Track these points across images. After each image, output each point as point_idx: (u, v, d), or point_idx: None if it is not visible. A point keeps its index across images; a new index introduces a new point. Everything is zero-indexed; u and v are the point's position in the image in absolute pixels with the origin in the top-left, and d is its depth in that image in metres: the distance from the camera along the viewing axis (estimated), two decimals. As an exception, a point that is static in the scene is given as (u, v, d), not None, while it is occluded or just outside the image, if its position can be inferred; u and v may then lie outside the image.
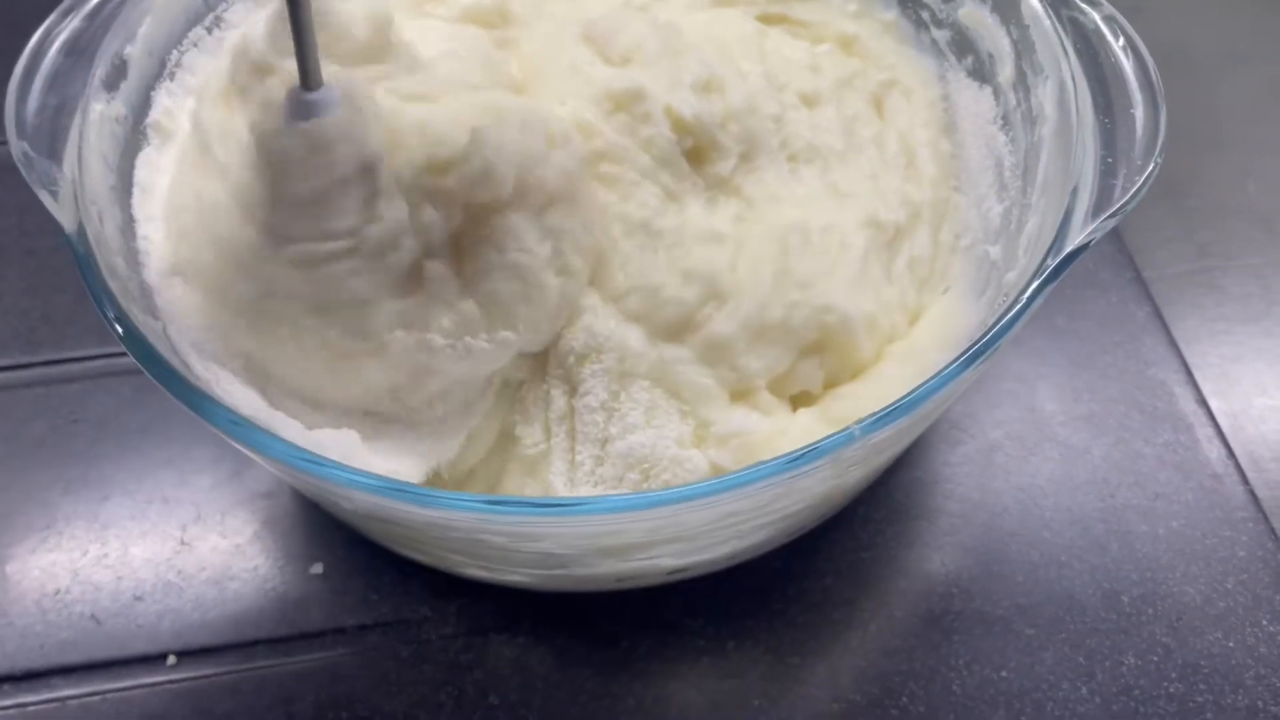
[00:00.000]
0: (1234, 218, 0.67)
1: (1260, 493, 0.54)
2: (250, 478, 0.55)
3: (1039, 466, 0.55)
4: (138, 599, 0.51)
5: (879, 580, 0.51)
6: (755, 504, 0.38)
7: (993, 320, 0.39)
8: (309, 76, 0.37)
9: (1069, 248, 0.40)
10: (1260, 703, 0.48)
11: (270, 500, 0.54)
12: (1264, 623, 0.50)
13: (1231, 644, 0.49)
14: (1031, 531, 0.53)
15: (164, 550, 0.53)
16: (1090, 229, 0.41)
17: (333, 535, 0.53)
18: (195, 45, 0.52)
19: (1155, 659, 0.49)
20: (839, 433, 0.36)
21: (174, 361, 0.40)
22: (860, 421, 0.36)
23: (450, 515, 0.37)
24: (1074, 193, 0.42)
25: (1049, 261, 0.40)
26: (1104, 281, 0.62)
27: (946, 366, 0.38)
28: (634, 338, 0.45)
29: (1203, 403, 0.57)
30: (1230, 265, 0.65)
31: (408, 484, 0.36)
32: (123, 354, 0.58)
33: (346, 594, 0.51)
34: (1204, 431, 0.56)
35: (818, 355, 0.47)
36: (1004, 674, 0.49)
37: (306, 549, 0.53)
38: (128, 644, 0.50)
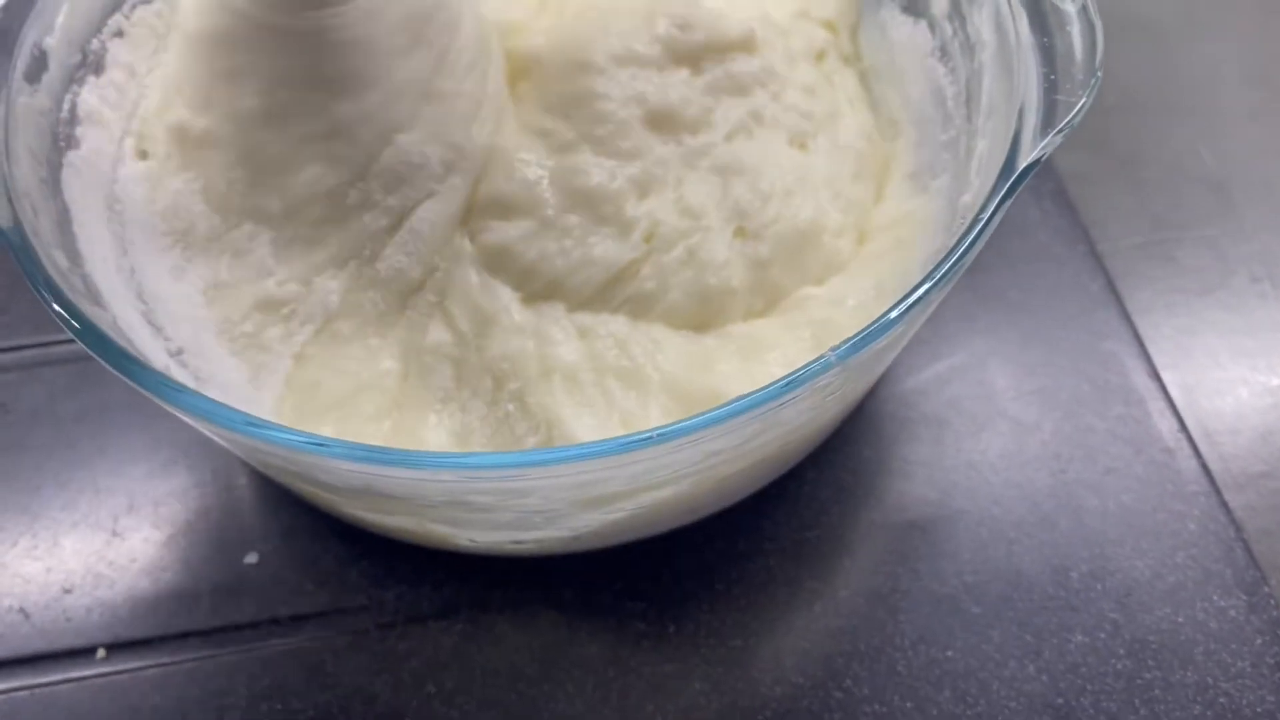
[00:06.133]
0: (1190, 188, 0.66)
1: (1213, 466, 0.54)
2: (185, 466, 0.54)
3: (989, 442, 0.54)
4: (67, 591, 0.50)
5: (824, 559, 0.50)
6: (736, 440, 0.38)
7: (954, 240, 0.39)
8: None
9: (1022, 164, 0.40)
10: (1210, 679, 0.47)
11: (204, 489, 0.53)
12: (1214, 597, 0.49)
13: (1181, 619, 0.49)
14: (980, 508, 0.52)
15: (95, 541, 0.52)
16: (1041, 145, 0.40)
17: (269, 524, 0.52)
18: (119, 35, 0.51)
19: (1103, 636, 0.48)
20: (815, 361, 0.35)
21: (131, 350, 0.39)
22: (835, 348, 0.35)
23: (435, 476, 0.35)
24: (1020, 112, 0.41)
25: (1004, 178, 0.40)
26: (1057, 254, 0.61)
27: (915, 288, 0.37)
28: None
29: (1155, 376, 0.56)
30: (1186, 236, 0.64)
31: (383, 448, 0.35)
32: (56, 343, 0.58)
33: (282, 584, 0.50)
34: (1156, 405, 0.55)
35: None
36: (950, 653, 0.48)
37: (241, 538, 0.51)
38: (56, 638, 0.49)
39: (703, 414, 0.34)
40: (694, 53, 0.50)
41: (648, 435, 0.34)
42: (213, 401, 0.36)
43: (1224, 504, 0.52)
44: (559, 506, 0.41)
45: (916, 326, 0.41)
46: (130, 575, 0.50)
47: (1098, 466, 0.53)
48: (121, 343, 0.38)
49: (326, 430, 0.45)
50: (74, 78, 0.49)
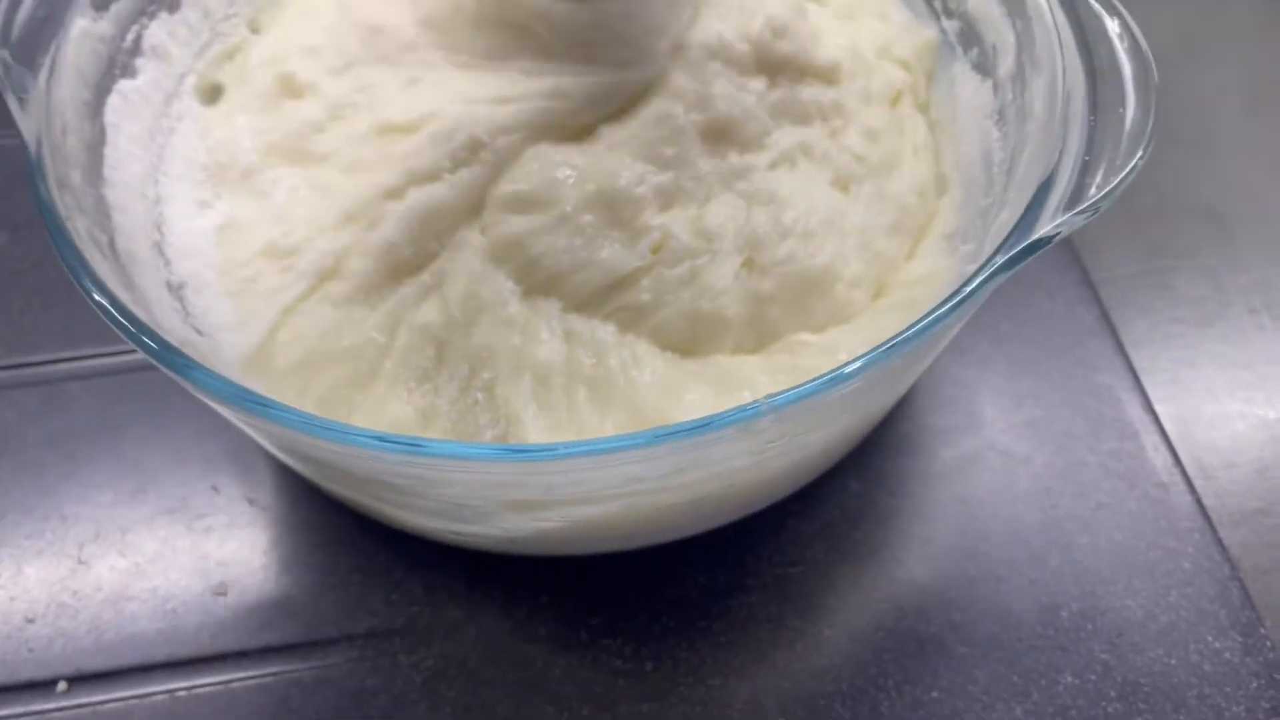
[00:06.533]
0: (1186, 217, 0.65)
1: (1208, 501, 0.52)
2: (154, 494, 0.52)
3: (978, 476, 0.53)
4: (29, 621, 0.49)
5: (807, 597, 0.49)
6: (658, 470, 0.37)
7: (930, 309, 0.37)
8: None
9: (1031, 237, 0.39)
10: (1203, 723, 0.46)
11: (174, 517, 0.52)
12: (1208, 639, 0.48)
13: (1174, 661, 0.47)
14: (968, 544, 0.51)
15: (59, 570, 0.50)
16: (1058, 221, 0.39)
17: (238, 554, 0.50)
18: None
19: (1094, 677, 0.47)
20: (747, 405, 0.34)
21: (114, 280, 0.40)
22: (771, 396, 0.34)
23: (350, 451, 0.35)
24: (1047, 186, 0.40)
25: (1006, 249, 0.38)
26: (1050, 284, 0.60)
27: (864, 354, 0.36)
28: None
29: (1149, 409, 0.55)
30: (1182, 266, 0.63)
31: (301, 413, 0.35)
32: (26, 365, 0.57)
33: (250, 616, 0.49)
34: (1150, 439, 0.54)
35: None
36: (935, 694, 0.46)
37: (209, 568, 0.50)
38: (17, 669, 0.47)
39: (608, 439, 0.34)
40: (776, 63, 0.49)
41: (551, 448, 0.34)
42: (161, 338, 0.37)
43: (1219, 541, 0.50)
44: (481, 504, 0.41)
45: (891, 390, 0.40)
46: (95, 605, 0.49)
47: (1089, 502, 0.52)
48: (97, 260, 0.39)
49: (291, 387, 0.45)
50: (145, 11, 0.51)
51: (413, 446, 0.34)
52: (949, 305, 0.37)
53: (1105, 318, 0.58)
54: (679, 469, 0.37)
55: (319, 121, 0.50)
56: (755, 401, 0.34)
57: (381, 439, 0.34)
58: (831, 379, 0.35)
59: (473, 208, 0.46)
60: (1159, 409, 0.55)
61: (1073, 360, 0.57)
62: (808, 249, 0.47)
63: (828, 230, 0.48)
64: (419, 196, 0.46)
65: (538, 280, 0.45)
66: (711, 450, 0.36)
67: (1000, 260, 0.38)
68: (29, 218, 0.62)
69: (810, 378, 0.44)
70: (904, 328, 0.37)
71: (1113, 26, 0.44)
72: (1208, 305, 0.61)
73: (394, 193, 0.46)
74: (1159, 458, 0.53)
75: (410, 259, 0.46)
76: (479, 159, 0.46)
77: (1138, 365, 0.57)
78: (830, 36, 0.52)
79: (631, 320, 0.45)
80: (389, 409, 0.44)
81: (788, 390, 0.35)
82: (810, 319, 0.48)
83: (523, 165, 0.46)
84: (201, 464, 0.53)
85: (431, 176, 0.46)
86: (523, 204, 0.45)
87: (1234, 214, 0.65)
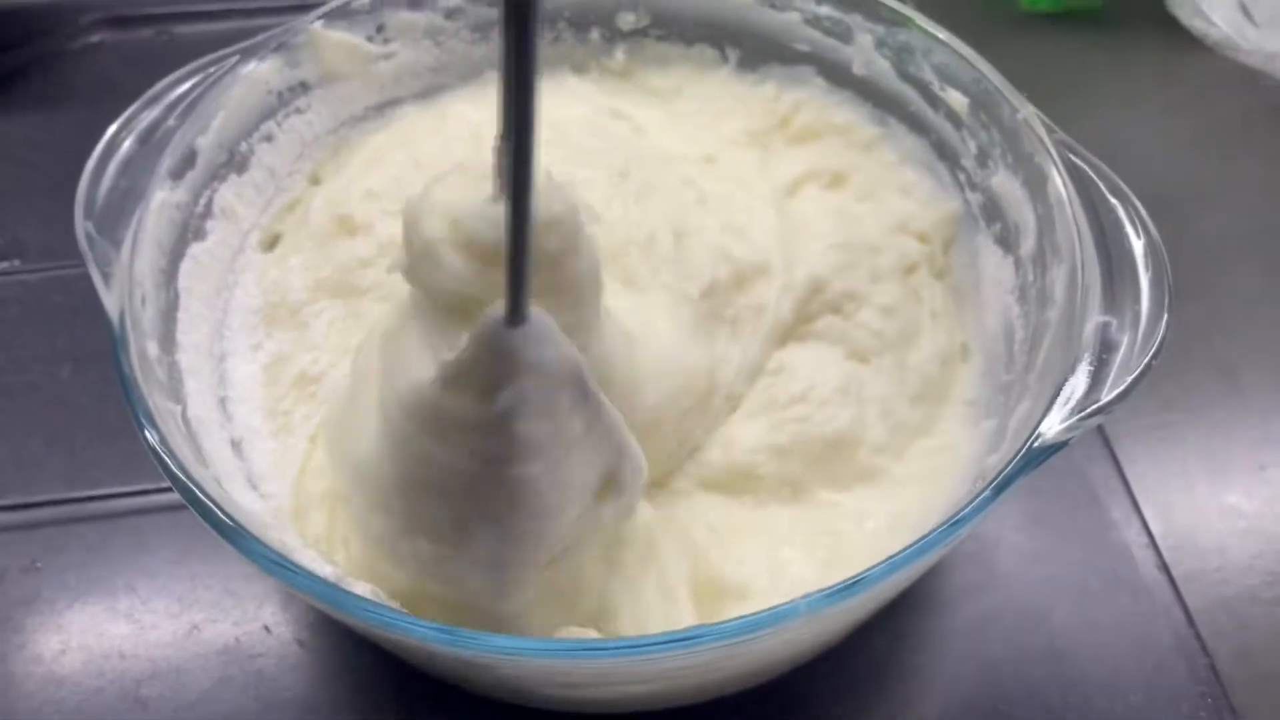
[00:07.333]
0: (1197, 370, 0.67)
1: (1219, 661, 0.54)
2: (209, 634, 0.55)
3: (996, 634, 0.55)
4: (89, 762, 0.51)
5: (834, 754, 0.51)
6: (697, 661, 0.39)
7: (951, 513, 0.40)
8: (518, 312, 0.33)
9: (1048, 441, 0.41)
10: None
11: (227, 656, 0.54)
12: (1220, 806, 0.50)
13: (1187, 829, 0.49)
14: (989, 704, 0.53)
15: (119, 708, 0.52)
16: (1070, 423, 0.41)
17: (289, 694, 0.53)
18: (267, 139, 0.56)
19: (1110, 845, 0.49)
20: (783, 606, 0.36)
21: (188, 458, 0.41)
22: (807, 596, 0.37)
23: (404, 639, 0.37)
24: (1063, 385, 0.42)
25: (1020, 454, 0.41)
26: (1067, 438, 0.62)
27: (884, 562, 0.38)
28: None
29: (1164, 569, 0.57)
30: (1193, 420, 0.65)
31: (350, 596, 0.37)
32: (90, 499, 0.59)
33: (298, 759, 0.51)
34: (1163, 598, 0.56)
35: None
36: None
37: (262, 708, 0.52)
38: (76, 810, 0.50)
39: (652, 638, 0.35)
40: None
41: (602, 644, 0.37)
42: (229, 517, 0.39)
43: (1231, 707, 0.52)
44: (524, 682, 0.43)
45: (910, 578, 0.42)
46: (151, 746, 0.51)
47: (1105, 665, 0.54)
48: (174, 436, 0.42)
49: (317, 519, 0.47)
50: (216, 175, 0.53)
51: (471, 640, 0.36)
52: (972, 506, 0.39)
53: (1119, 473, 0.61)
54: (716, 660, 0.40)
55: (368, 258, 0.53)
56: (793, 602, 0.37)
57: (432, 629, 0.36)
58: (858, 581, 0.37)
59: None
60: (1171, 569, 0.57)
61: (1087, 516, 0.59)
62: (823, 414, 0.50)
63: (844, 397, 0.50)
64: None
65: None
66: (751, 646, 0.38)
67: (1019, 463, 0.40)
68: (90, 350, 0.65)
69: (841, 541, 0.47)
70: (931, 503, 0.40)
71: (1130, 229, 0.47)
72: (1218, 459, 0.64)
73: None
74: (1172, 618, 0.55)
75: None
76: None
77: (1149, 517, 0.59)
78: (822, 223, 0.55)
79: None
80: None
81: (820, 592, 0.37)
82: (834, 479, 0.50)
83: None
84: (254, 603, 0.55)
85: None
86: None
87: (1245, 367, 0.67)
